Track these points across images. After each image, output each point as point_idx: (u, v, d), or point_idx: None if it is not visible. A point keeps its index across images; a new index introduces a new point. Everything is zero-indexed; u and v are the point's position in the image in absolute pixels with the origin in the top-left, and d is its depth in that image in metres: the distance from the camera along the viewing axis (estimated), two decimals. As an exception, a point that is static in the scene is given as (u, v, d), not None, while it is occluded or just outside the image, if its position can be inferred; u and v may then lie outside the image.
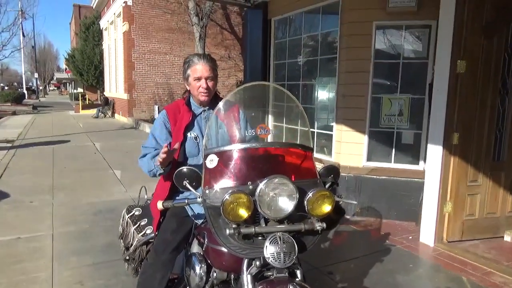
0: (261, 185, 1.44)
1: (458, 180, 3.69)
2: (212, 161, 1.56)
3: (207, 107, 2.11)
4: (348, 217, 4.47)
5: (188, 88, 2.10)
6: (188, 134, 2.05)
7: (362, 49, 4.45)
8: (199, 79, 2.00)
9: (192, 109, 2.11)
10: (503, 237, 3.91)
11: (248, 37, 6.67)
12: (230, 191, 1.42)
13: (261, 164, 1.60)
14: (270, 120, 5.08)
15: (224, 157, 1.57)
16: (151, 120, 13.82)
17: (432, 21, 4.18)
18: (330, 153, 4.94)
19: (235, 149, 1.59)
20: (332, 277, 3.13)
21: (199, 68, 1.99)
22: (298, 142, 1.78)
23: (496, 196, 3.86)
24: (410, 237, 3.97)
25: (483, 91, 3.68)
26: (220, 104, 1.76)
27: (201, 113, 2.12)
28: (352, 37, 4.48)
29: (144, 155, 2.05)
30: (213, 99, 2.10)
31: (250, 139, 1.86)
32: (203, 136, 2.05)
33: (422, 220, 3.88)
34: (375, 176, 4.49)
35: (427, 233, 3.83)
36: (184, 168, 1.62)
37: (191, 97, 2.14)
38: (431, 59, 4.26)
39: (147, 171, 2.01)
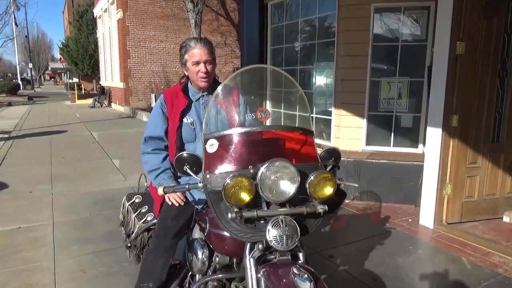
0: (263, 169, 1.42)
1: (458, 162, 3.69)
2: (212, 146, 1.55)
3: (206, 93, 2.08)
4: (347, 201, 4.49)
5: (187, 74, 2.07)
6: (184, 120, 2.03)
7: (360, 32, 4.40)
8: (197, 63, 1.97)
9: (190, 94, 2.08)
10: (502, 218, 3.94)
11: (244, 22, 6.58)
12: (232, 175, 1.41)
13: (262, 147, 1.58)
14: (269, 105, 5.05)
15: (224, 142, 1.55)
16: (148, 109, 13.75)
17: (431, 2, 4.13)
18: (329, 138, 4.93)
19: (235, 133, 1.57)
20: (333, 261, 3.15)
21: (197, 52, 1.95)
22: (299, 126, 1.76)
23: (495, 178, 3.88)
24: (410, 220, 4.00)
25: (483, 72, 3.65)
26: (219, 89, 1.72)
27: (199, 98, 2.09)
28: (350, 20, 4.43)
29: (148, 152, 2.07)
30: (212, 84, 2.07)
31: (250, 123, 1.84)
32: (200, 122, 2.04)
33: (422, 203, 3.90)
34: (374, 160, 4.49)
35: (426, 216, 3.85)
36: (184, 153, 1.60)
37: (189, 83, 2.11)
38: (430, 41, 4.22)
39: (150, 171, 2.05)
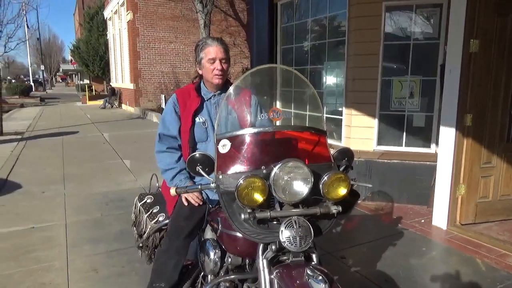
0: (276, 169, 1.41)
1: (472, 162, 3.63)
2: (224, 146, 1.54)
3: (218, 92, 2.08)
4: (359, 201, 4.45)
5: (201, 73, 2.07)
6: (197, 119, 2.04)
7: (371, 31, 4.36)
8: (213, 60, 1.97)
9: (202, 94, 2.09)
10: (517, 219, 3.87)
11: (253, 22, 6.58)
12: (244, 175, 1.39)
13: (275, 148, 1.57)
14: (281, 104, 5.03)
15: (236, 142, 1.55)
16: (158, 110, 13.83)
17: (444, -1, 4.08)
18: (339, 138, 4.90)
19: (248, 133, 1.56)
20: (345, 262, 3.12)
21: (213, 50, 1.97)
22: (311, 126, 1.75)
23: (511, 178, 3.80)
24: (423, 221, 3.95)
25: (497, 70, 3.59)
26: (230, 89, 1.72)
27: (210, 98, 2.09)
28: (361, 19, 4.39)
29: (162, 151, 2.08)
30: (224, 84, 2.07)
31: (263, 123, 1.83)
32: (211, 121, 2.04)
33: (435, 203, 3.85)
34: (386, 160, 4.44)
35: (439, 216, 3.79)
36: (197, 154, 1.60)
37: (201, 82, 2.11)
38: (443, 39, 4.17)
39: (165, 170, 2.06)
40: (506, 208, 3.85)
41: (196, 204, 1.95)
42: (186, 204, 1.98)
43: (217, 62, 1.97)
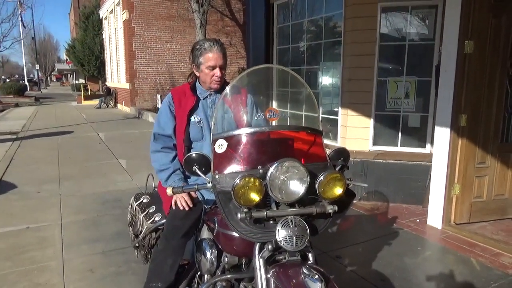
0: (272, 169, 1.42)
1: (466, 162, 3.66)
2: (221, 146, 1.54)
3: (213, 91, 2.08)
4: (355, 201, 4.47)
5: (198, 75, 2.07)
6: (192, 118, 2.04)
7: (367, 32, 4.38)
8: (213, 68, 1.97)
9: (198, 93, 2.09)
10: (511, 218, 3.89)
11: (250, 22, 6.58)
12: (241, 175, 1.40)
13: (271, 148, 1.58)
14: (278, 105, 5.04)
15: (233, 142, 1.55)
16: (154, 109, 13.80)
17: (439, 0, 4.11)
18: (335, 138, 4.91)
19: (244, 133, 1.56)
20: (340, 261, 3.14)
21: (213, 57, 1.96)
22: (307, 126, 1.76)
23: (505, 178, 3.84)
24: (418, 220, 3.97)
25: (491, 71, 3.62)
26: (227, 89, 1.72)
27: (206, 97, 2.09)
28: (357, 19, 4.41)
29: (157, 150, 2.09)
30: None
31: (259, 123, 1.84)
32: (207, 120, 2.04)
33: (430, 203, 3.87)
34: (381, 160, 4.47)
35: (434, 216, 3.82)
36: (193, 154, 1.60)
37: (197, 81, 2.11)
38: (438, 40, 4.20)
39: (159, 170, 2.06)
40: (500, 208, 3.88)
41: (187, 208, 1.95)
42: (174, 208, 1.99)
43: (217, 69, 1.98)
